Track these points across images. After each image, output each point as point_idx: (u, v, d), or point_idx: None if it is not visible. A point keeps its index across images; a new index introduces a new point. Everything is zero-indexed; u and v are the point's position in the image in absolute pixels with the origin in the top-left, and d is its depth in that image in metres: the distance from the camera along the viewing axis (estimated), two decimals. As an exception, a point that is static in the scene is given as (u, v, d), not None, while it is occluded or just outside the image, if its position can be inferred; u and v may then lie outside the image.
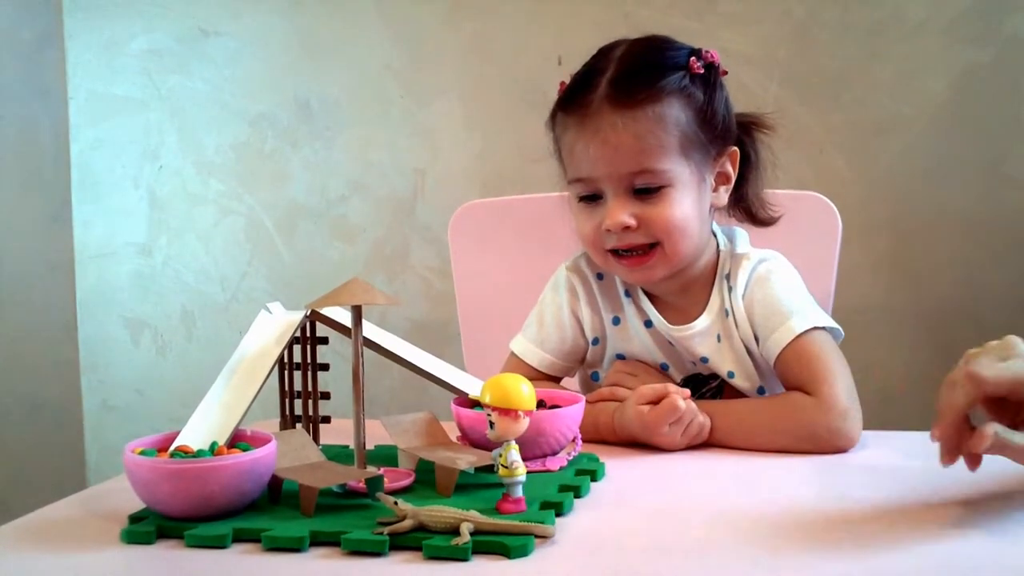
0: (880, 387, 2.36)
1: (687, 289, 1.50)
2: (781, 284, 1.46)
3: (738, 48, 2.42)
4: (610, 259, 1.45)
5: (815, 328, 1.42)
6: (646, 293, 1.52)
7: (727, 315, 1.48)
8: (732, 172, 1.49)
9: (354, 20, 2.68)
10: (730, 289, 1.48)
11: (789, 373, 1.42)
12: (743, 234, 1.55)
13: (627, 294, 1.53)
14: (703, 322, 1.48)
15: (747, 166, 1.52)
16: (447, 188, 2.64)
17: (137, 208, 2.87)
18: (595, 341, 1.55)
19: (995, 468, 1.05)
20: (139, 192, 2.86)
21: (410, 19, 2.65)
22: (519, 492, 1.04)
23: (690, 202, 1.42)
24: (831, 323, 1.45)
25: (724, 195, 1.49)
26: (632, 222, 1.40)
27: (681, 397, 1.32)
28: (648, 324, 1.51)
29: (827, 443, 1.32)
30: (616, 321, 1.53)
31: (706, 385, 1.51)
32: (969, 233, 2.38)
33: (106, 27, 2.84)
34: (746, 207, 1.55)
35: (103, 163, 2.88)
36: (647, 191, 1.40)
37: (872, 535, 0.99)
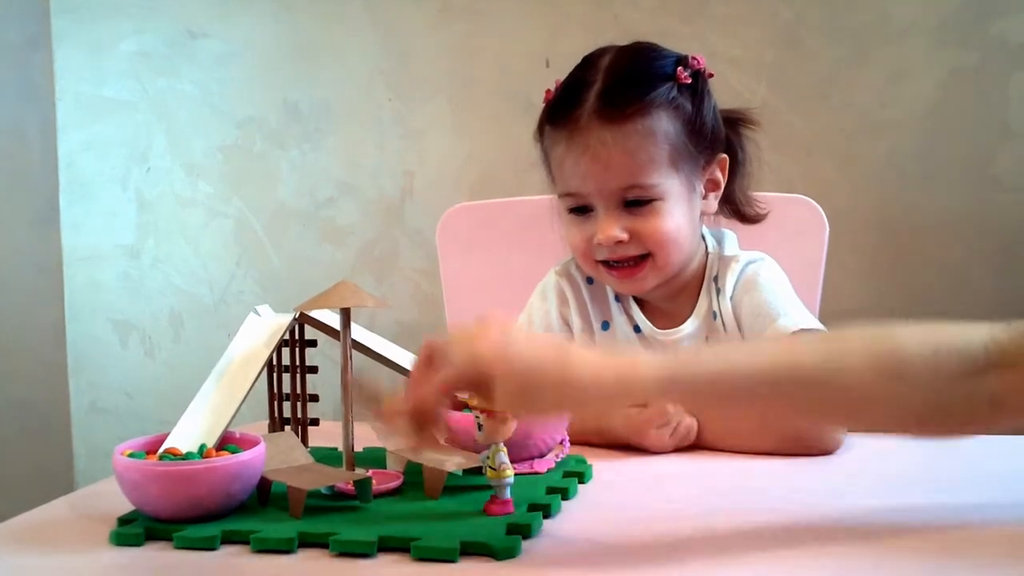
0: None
1: (676, 294, 1.51)
2: (769, 286, 1.47)
3: (726, 51, 2.43)
4: (601, 270, 1.46)
5: (802, 331, 1.42)
6: (635, 298, 1.53)
7: (715, 317, 1.48)
8: (722, 179, 1.50)
9: (343, 23, 2.68)
10: (718, 291, 1.49)
11: None
12: (731, 236, 1.56)
13: (617, 299, 1.54)
14: (690, 326, 1.49)
15: (733, 164, 1.52)
16: (436, 191, 2.64)
17: (125, 210, 2.87)
18: None
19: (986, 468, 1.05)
20: (127, 194, 2.86)
21: (399, 21, 2.65)
22: (507, 494, 1.05)
23: (681, 213, 1.43)
24: (818, 325, 1.45)
25: (714, 202, 1.50)
26: (624, 236, 1.41)
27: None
28: (637, 330, 1.52)
29: (813, 445, 1.31)
30: (605, 326, 1.54)
31: None
32: (956, 235, 2.39)
33: (94, 29, 2.84)
34: (733, 205, 1.55)
35: (91, 165, 2.88)
36: (638, 204, 1.41)
37: (859, 537, 0.99)
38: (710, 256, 1.52)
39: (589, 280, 1.56)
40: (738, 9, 2.45)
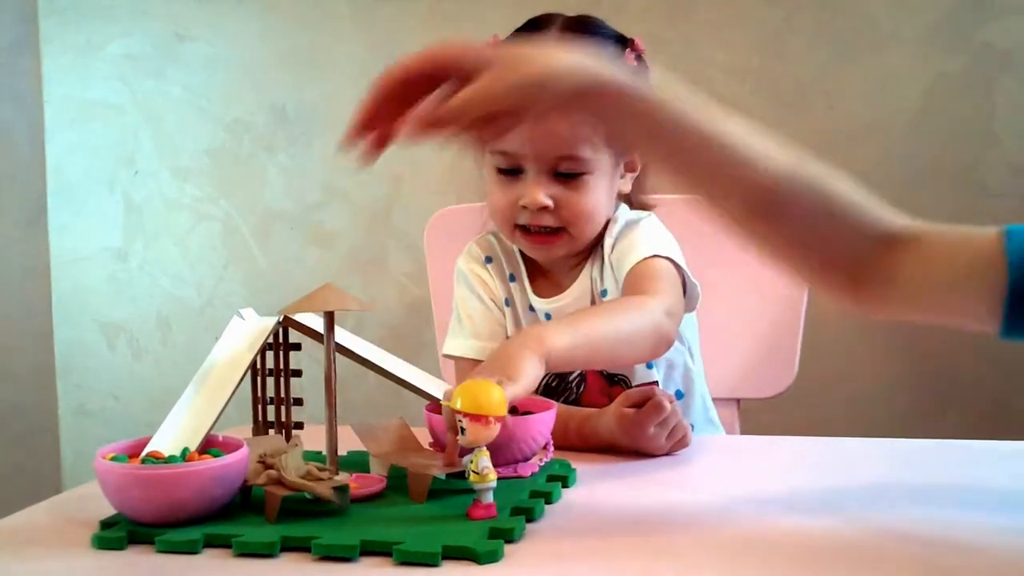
0: (850, 395, 2.38)
1: (578, 260, 1.54)
2: (645, 231, 1.50)
3: (713, 56, 2.44)
4: (517, 234, 1.49)
5: (658, 256, 1.44)
6: (530, 275, 1.56)
7: (595, 281, 1.51)
8: (638, 162, 1.53)
9: (330, 26, 2.69)
10: (603, 251, 1.51)
11: (627, 291, 1.43)
12: (623, 205, 1.58)
13: (512, 279, 1.56)
14: (574, 292, 1.52)
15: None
16: (423, 194, 2.65)
17: (113, 213, 2.87)
18: None
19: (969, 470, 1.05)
20: (115, 197, 2.86)
21: (386, 25, 2.65)
22: (490, 498, 1.05)
23: (603, 188, 1.47)
24: (687, 272, 1.46)
25: (629, 182, 1.54)
26: (549, 203, 1.44)
27: (666, 400, 1.32)
28: (531, 309, 1.55)
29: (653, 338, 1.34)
30: (507, 303, 1.56)
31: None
32: (941, 240, 2.39)
33: (82, 31, 2.84)
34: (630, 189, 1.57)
35: (79, 168, 2.88)
36: (568, 175, 1.44)
37: (851, 540, 1.00)
38: (608, 226, 1.55)
39: (488, 259, 1.59)
40: (725, 14, 2.45)
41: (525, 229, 1.47)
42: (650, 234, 1.49)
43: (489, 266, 1.59)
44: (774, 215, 1.07)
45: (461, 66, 0.99)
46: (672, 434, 1.32)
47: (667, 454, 1.33)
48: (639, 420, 1.31)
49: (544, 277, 1.56)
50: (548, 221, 1.45)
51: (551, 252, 1.50)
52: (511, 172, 1.46)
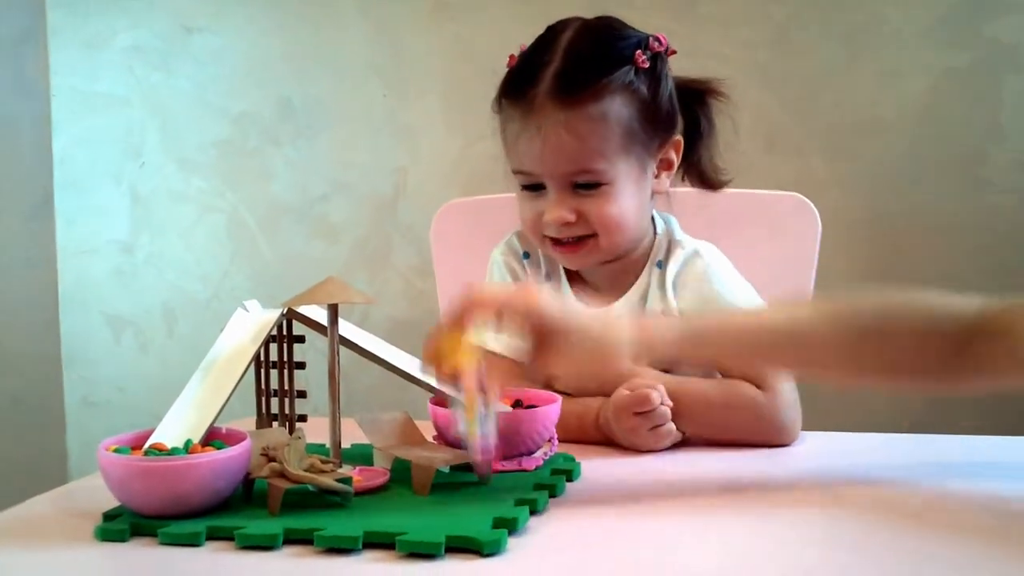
0: (853, 391, 2.37)
1: (618, 272, 1.51)
2: (716, 274, 1.48)
3: (718, 50, 2.43)
4: (547, 244, 1.47)
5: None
6: (570, 278, 1.54)
7: (645, 301, 1.48)
8: (676, 159, 1.49)
9: (337, 19, 2.68)
10: (662, 276, 1.48)
11: None
12: (675, 220, 1.55)
13: (548, 278, 1.54)
14: (618, 307, 1.48)
15: (698, 135, 1.51)
16: (429, 187, 2.65)
17: (119, 205, 2.87)
18: None
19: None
20: (121, 189, 2.86)
21: (392, 18, 2.65)
22: (489, 430, 1.08)
23: (629, 195, 1.43)
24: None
25: (666, 181, 1.49)
26: (572, 218, 1.41)
27: (656, 396, 1.31)
28: None
29: (773, 437, 1.36)
30: None
31: None
32: (947, 235, 2.39)
33: (89, 24, 2.84)
34: (699, 174, 1.54)
35: (85, 160, 2.88)
36: (587, 186, 1.41)
37: (850, 531, 1.00)
38: (658, 238, 1.52)
39: (525, 255, 1.57)
40: (730, 9, 2.45)
41: (554, 240, 1.46)
42: (725, 282, 1.47)
43: (526, 262, 1.57)
44: (826, 363, 1.16)
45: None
46: (655, 431, 1.32)
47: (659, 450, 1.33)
48: (626, 402, 1.32)
49: (585, 285, 1.54)
50: (576, 232, 1.43)
51: (582, 259, 1.48)
52: (534, 188, 1.45)
